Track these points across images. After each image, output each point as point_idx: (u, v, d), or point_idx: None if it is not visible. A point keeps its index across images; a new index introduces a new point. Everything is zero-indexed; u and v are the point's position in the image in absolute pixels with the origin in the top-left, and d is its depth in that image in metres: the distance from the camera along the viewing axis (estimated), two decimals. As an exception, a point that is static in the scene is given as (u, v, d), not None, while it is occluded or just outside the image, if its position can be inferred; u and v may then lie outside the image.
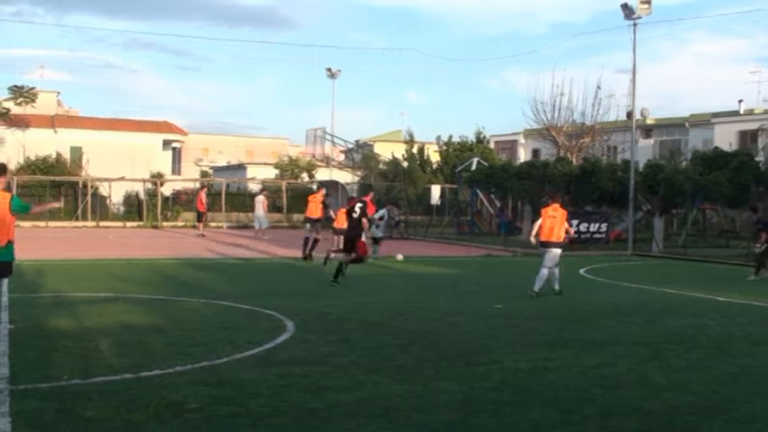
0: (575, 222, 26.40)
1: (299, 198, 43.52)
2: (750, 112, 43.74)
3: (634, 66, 28.50)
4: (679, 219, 33.71)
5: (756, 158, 27.34)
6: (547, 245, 13.77)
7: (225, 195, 41.15)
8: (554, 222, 13.79)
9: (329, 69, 53.88)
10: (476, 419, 5.98)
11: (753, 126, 37.97)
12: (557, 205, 14.19)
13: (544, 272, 13.66)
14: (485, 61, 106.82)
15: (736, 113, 44.90)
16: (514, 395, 6.70)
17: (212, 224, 36.76)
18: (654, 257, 25.07)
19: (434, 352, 8.43)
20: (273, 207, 39.73)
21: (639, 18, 27.49)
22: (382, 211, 21.96)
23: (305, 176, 47.93)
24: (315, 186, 44.90)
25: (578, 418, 6.04)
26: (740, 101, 46.15)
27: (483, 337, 9.49)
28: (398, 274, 17.72)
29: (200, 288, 13.77)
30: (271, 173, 48.64)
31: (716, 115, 45.10)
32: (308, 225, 20.96)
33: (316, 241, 20.32)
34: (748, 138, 39.71)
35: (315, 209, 20.63)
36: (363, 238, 15.31)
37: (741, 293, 14.81)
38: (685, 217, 31.80)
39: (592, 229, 27.66)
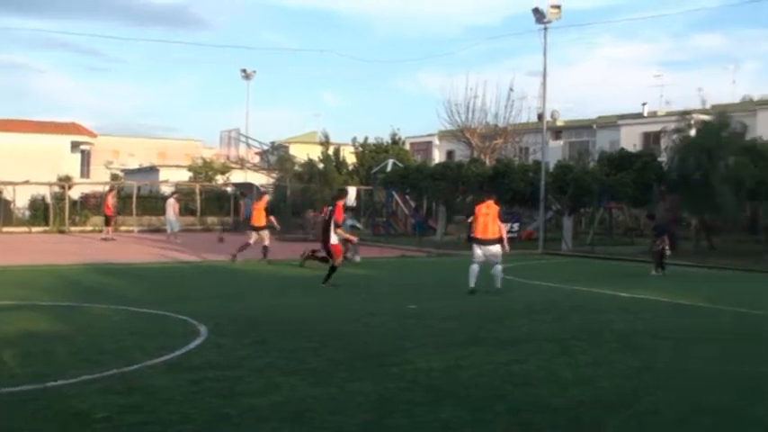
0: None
1: (214, 201, 42.95)
2: (653, 115, 45.42)
3: (545, 69, 29.21)
4: (587, 218, 34.70)
5: (659, 159, 28.36)
6: (484, 242, 13.97)
7: (136, 198, 40.12)
8: (487, 219, 14.03)
9: (244, 70, 53.23)
10: (389, 420, 6.02)
11: (656, 128, 39.36)
12: (490, 202, 14.34)
13: (474, 267, 13.95)
14: (400, 63, 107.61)
15: (640, 116, 46.55)
16: (427, 395, 6.77)
17: (123, 228, 35.84)
18: (563, 256, 25.74)
19: (349, 353, 8.45)
20: (187, 210, 38.99)
21: (550, 22, 28.18)
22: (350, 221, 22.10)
23: (219, 179, 47.24)
24: (230, 189, 44.47)
25: (489, 415, 6.16)
26: (644, 104, 47.90)
27: (397, 337, 9.55)
28: (314, 276, 17.65)
29: (108, 294, 13.40)
30: (184, 175, 47.75)
31: (621, 117, 46.65)
32: (253, 232, 20.91)
33: (266, 248, 20.45)
34: (651, 139, 41.19)
35: (259, 216, 20.73)
36: (334, 241, 15.32)
37: (645, 289, 15.35)
38: (593, 216, 32.76)
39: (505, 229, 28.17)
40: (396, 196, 36.81)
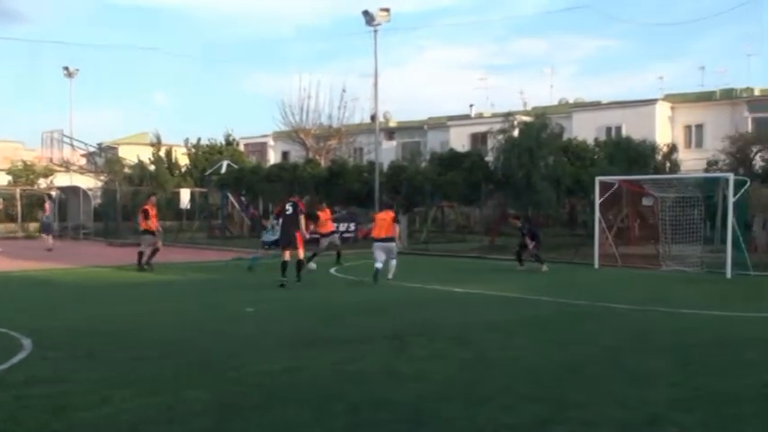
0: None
1: (36, 206, 40.55)
2: (480, 116, 47.38)
3: (376, 70, 29.81)
4: (421, 216, 35.70)
5: (486, 158, 29.63)
6: (383, 240, 16.60)
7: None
8: (383, 224, 16.77)
9: (66, 68, 50.61)
10: (228, 426, 5.94)
11: (483, 129, 41.05)
12: (389, 211, 17.40)
13: (378, 265, 16.21)
14: (233, 63, 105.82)
15: (468, 117, 48.44)
16: (266, 398, 6.74)
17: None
18: (399, 254, 26.27)
19: (184, 361, 8.25)
20: (6, 216, 36.60)
21: (379, 24, 28.78)
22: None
23: (42, 182, 44.63)
24: (54, 193, 42.08)
25: (329, 415, 6.21)
26: (471, 105, 49.92)
27: (235, 341, 9.43)
28: (149, 283, 17.10)
29: None
30: (3, 179, 44.74)
31: (451, 119, 48.33)
32: (147, 237, 20.16)
33: (156, 251, 19.97)
34: (479, 139, 42.95)
35: (155, 221, 20.32)
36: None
37: (477, 284, 16.01)
38: (426, 215, 33.76)
39: (341, 229, 28.49)
40: (231, 198, 36.27)
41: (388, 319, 11.30)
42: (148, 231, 20.18)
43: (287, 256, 15.82)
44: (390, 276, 16.54)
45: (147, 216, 20.24)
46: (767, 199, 23.19)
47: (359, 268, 20.19)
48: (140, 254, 19.83)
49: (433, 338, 9.65)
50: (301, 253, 16.15)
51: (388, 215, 17.07)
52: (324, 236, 20.81)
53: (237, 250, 26.12)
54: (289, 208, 16.13)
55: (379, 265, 16.25)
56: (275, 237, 18.59)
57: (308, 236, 17.80)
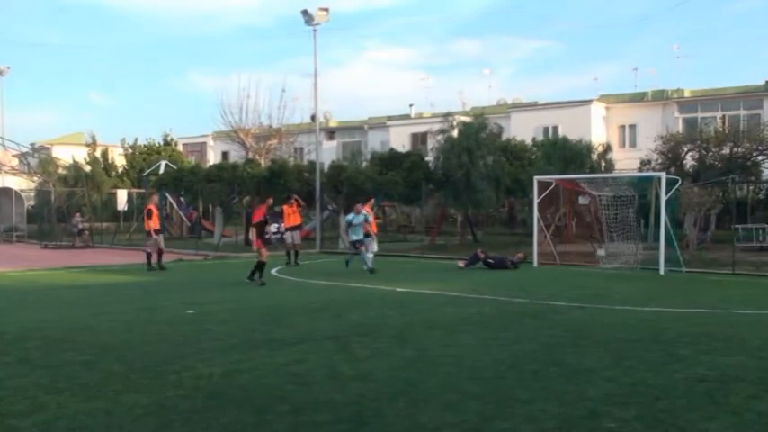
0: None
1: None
2: (420, 116, 47.69)
3: (315, 70, 29.72)
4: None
5: (426, 158, 29.82)
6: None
7: None
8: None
9: (-5, 66, 49.20)
10: (169, 430, 5.86)
11: (423, 129, 41.34)
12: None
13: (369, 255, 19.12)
14: (172, 63, 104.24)
15: (408, 117, 48.70)
16: (208, 401, 6.67)
17: None
18: (340, 254, 26.28)
19: (124, 365, 8.10)
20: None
21: (319, 24, 28.70)
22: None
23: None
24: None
25: (271, 416, 6.18)
26: (411, 105, 50.21)
27: (175, 344, 9.31)
28: (85, 286, 16.73)
29: None
30: (-73, 181, 43.23)
31: (391, 119, 48.53)
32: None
33: (160, 251, 20.22)
34: (419, 139, 43.22)
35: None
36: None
37: (419, 283, 16.11)
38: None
39: (282, 230, 28.29)
40: (170, 199, 35.73)
41: (329, 320, 11.30)
42: (155, 231, 20.32)
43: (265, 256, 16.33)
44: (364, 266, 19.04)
45: (150, 216, 20.28)
46: (698, 197, 23.88)
47: (298, 269, 20.14)
48: (148, 255, 20.06)
49: (374, 338, 9.68)
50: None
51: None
52: (289, 229, 21.68)
53: (177, 251, 25.75)
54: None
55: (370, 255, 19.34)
56: (358, 237, 19.20)
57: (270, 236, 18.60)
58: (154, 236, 20.15)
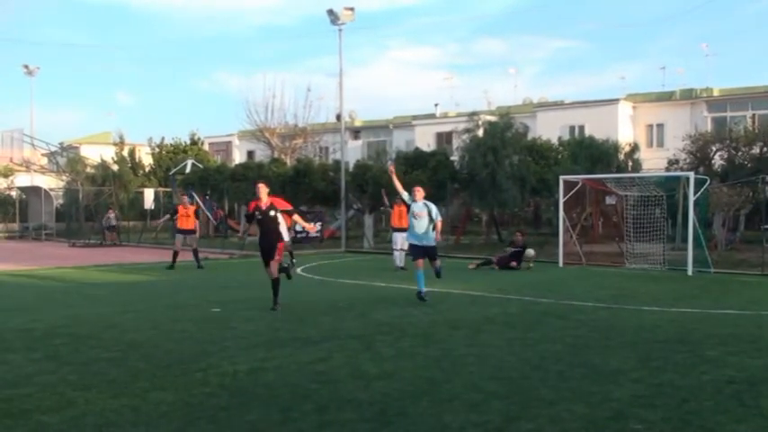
0: (290, 222, 26.98)
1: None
2: (445, 116, 47.60)
3: (341, 70, 29.81)
4: (387, 216, 35.69)
5: (451, 158, 29.76)
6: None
7: None
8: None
9: (26, 66, 49.90)
10: (195, 427, 5.91)
11: (448, 128, 41.30)
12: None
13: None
14: (198, 63, 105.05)
15: (433, 116, 48.64)
16: (233, 398, 6.71)
17: None
18: (365, 253, 26.35)
19: (150, 362, 8.17)
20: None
21: (344, 24, 28.76)
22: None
23: (2, 182, 43.90)
24: (14, 193, 41.38)
25: (297, 414, 6.20)
26: (436, 104, 50.17)
27: (200, 342, 9.37)
28: (112, 284, 16.91)
29: None
30: (-40, 179, 43.93)
31: (416, 118, 48.49)
32: (184, 237, 20.57)
33: (196, 252, 20.39)
34: (444, 139, 43.15)
35: (189, 220, 20.64)
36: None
37: (443, 282, 16.05)
38: (391, 214, 33.71)
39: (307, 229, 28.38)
40: (196, 198, 35.98)
41: (354, 319, 11.31)
42: (182, 231, 20.67)
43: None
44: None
45: (175, 214, 20.82)
46: (727, 197, 23.61)
47: (324, 268, 20.20)
48: (195, 252, 20.49)
49: (399, 337, 9.67)
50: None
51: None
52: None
53: (203, 250, 25.90)
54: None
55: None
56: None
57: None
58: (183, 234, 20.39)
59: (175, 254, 20.18)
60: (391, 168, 14.27)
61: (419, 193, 13.66)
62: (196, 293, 14.76)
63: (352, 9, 28.65)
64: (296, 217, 14.35)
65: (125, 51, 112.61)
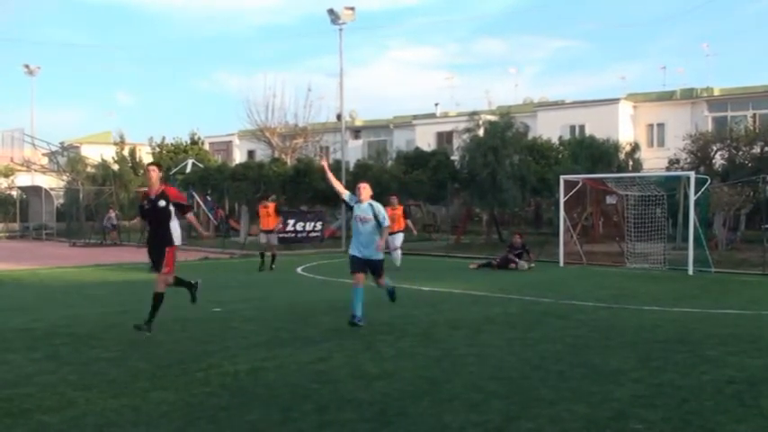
0: (291, 222, 26.99)
1: (-1, 205, 40.04)
2: (445, 115, 47.61)
3: (341, 69, 29.80)
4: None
5: (452, 157, 29.75)
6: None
7: None
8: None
9: (27, 66, 49.92)
10: (195, 427, 5.91)
11: (448, 128, 41.31)
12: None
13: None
14: (196, 62, 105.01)
15: (433, 116, 48.63)
16: (234, 398, 6.71)
17: None
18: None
19: (150, 362, 8.17)
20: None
21: (344, 23, 28.75)
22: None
23: (2, 182, 43.93)
24: (14, 193, 41.39)
25: (297, 414, 6.20)
26: (436, 104, 50.18)
27: (201, 342, 9.37)
28: (112, 283, 16.91)
29: None
30: (-40, 179, 43.97)
31: (416, 117, 48.50)
32: (267, 236, 20.09)
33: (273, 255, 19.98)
34: (444, 138, 43.15)
35: (270, 220, 20.03)
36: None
37: (444, 282, 16.08)
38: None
39: (308, 228, 28.44)
40: (197, 197, 35.99)
41: (355, 319, 11.27)
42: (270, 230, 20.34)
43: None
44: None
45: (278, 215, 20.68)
46: (727, 197, 23.60)
47: (324, 268, 20.19)
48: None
49: (399, 337, 9.67)
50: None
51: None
52: (264, 232, 20.06)
53: (204, 250, 25.93)
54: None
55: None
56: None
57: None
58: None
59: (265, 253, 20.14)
60: (323, 163, 12.00)
61: (365, 191, 10.93)
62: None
63: (352, 9, 28.63)
64: (190, 216, 11.03)
65: (125, 51, 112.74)
